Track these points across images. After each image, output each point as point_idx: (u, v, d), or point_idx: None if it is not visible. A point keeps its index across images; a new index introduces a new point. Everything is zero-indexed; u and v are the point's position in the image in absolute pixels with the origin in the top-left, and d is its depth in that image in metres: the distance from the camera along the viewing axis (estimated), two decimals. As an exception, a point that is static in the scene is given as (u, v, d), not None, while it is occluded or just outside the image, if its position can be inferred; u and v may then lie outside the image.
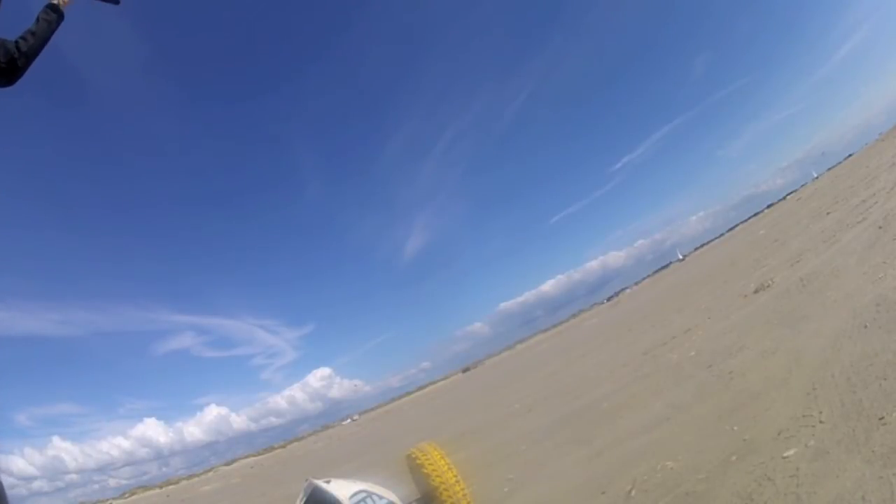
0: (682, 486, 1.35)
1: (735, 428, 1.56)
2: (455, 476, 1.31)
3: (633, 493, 1.43)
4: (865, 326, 2.06)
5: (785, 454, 1.29)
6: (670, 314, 5.80)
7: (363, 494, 1.17)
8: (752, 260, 6.74)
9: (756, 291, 4.05)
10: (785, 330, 2.50)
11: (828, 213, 7.27)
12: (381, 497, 1.15)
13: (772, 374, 1.92)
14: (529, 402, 4.56)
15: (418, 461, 1.37)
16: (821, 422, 1.39)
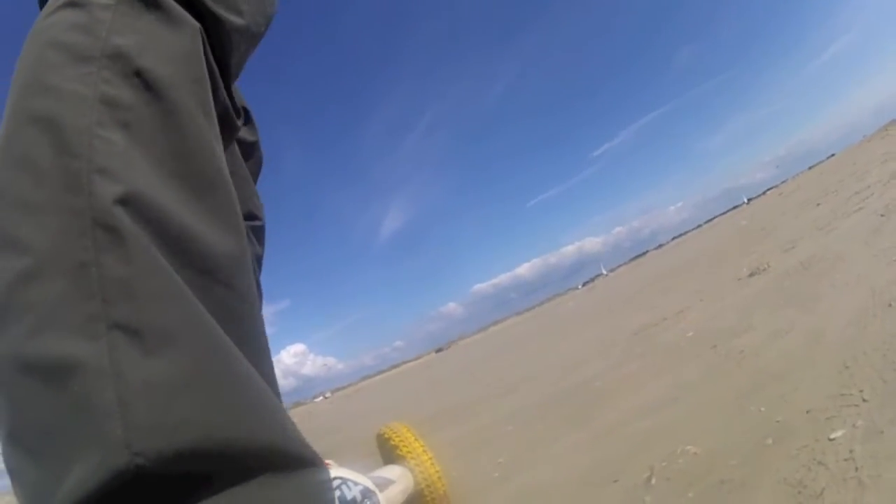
0: (714, 473, 1.14)
1: (762, 409, 1.36)
2: (430, 457, 1.19)
3: (654, 480, 1.22)
4: (890, 305, 1.88)
5: (831, 436, 1.09)
6: (655, 297, 5.64)
7: (337, 482, 0.97)
8: (739, 247, 6.62)
9: (751, 275, 3.89)
10: (794, 310, 2.32)
11: (818, 205, 7.15)
12: (356, 483, 0.95)
13: (791, 354, 1.72)
14: (510, 381, 4.26)
15: (392, 441, 1.25)
16: (864, 400, 1.20)
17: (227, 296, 0.42)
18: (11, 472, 0.34)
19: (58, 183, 0.37)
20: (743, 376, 1.72)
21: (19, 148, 0.39)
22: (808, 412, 1.25)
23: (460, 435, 2.91)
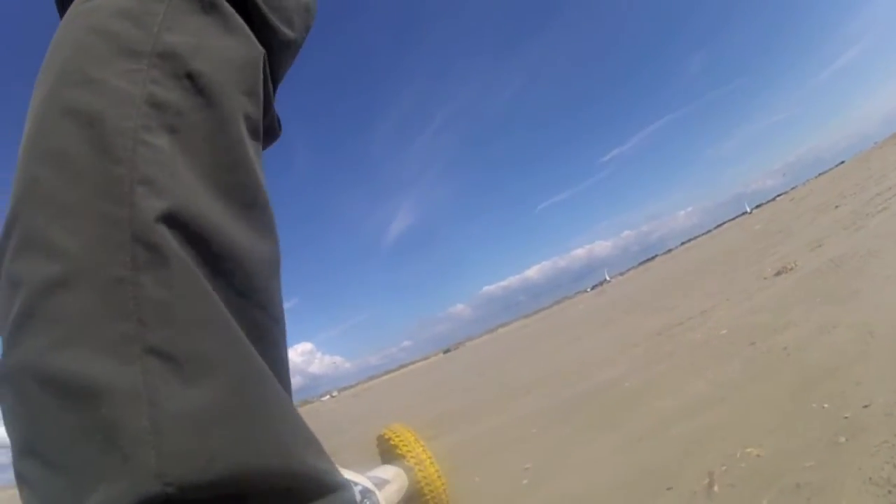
0: (786, 476, 1.03)
1: (825, 405, 1.25)
2: (429, 457, 1.20)
3: (716, 487, 1.11)
4: (944, 298, 1.77)
5: (914, 430, 0.99)
6: (673, 299, 5.51)
7: None
8: (757, 249, 6.47)
9: (778, 274, 3.76)
10: (833, 307, 2.20)
11: (836, 207, 7.00)
12: (356, 484, 0.98)
13: (842, 349, 1.61)
14: (525, 383, 4.06)
15: (392, 442, 1.26)
16: (935, 391, 1.10)
17: (262, 317, 0.41)
18: (23, 478, 0.33)
19: (96, 187, 0.35)
20: (792, 373, 1.61)
21: (53, 141, 0.37)
22: (877, 407, 1.14)
23: (477, 436, 2.79)
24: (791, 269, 3.74)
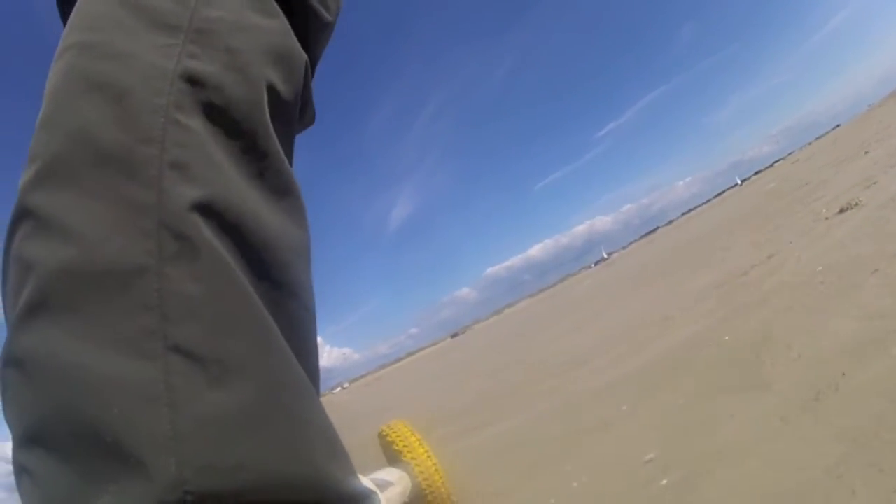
0: None
1: None
2: (427, 451, 1.17)
3: None
4: None
5: None
6: (711, 257, 5.17)
7: None
8: (790, 201, 6.10)
9: (842, 211, 3.45)
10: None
11: (866, 153, 6.69)
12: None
13: None
14: (571, 356, 3.44)
15: (389, 438, 1.24)
16: None
17: (296, 308, 0.40)
18: (25, 469, 0.31)
19: (120, 168, 0.33)
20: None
21: (76, 116, 0.35)
22: None
23: (534, 422, 2.43)
24: (856, 204, 3.42)
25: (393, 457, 1.22)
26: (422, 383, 9.63)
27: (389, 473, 1.12)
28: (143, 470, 0.28)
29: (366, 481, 0.96)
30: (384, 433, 1.27)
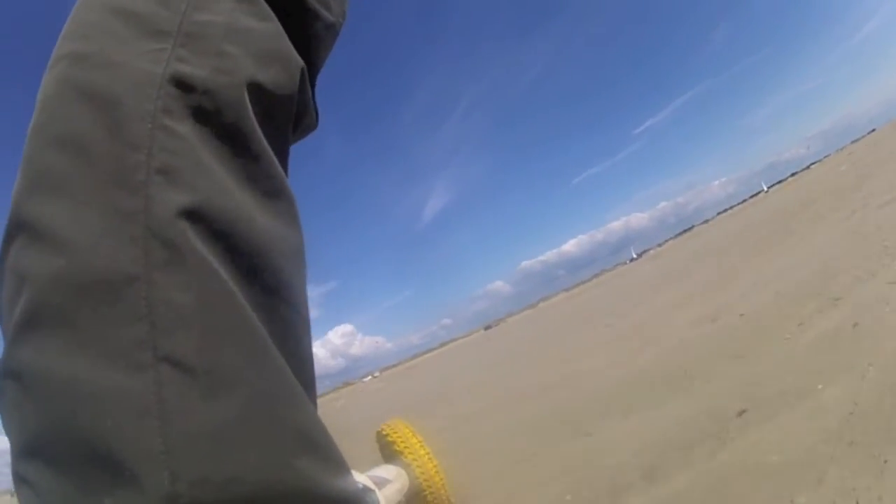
0: None
1: None
2: (427, 452, 1.19)
3: None
4: None
5: None
6: (790, 242, 4.35)
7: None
8: (881, 176, 5.16)
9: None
10: None
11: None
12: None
13: None
14: (659, 351, 2.69)
15: (389, 438, 1.25)
16: None
17: (289, 314, 0.39)
18: (24, 480, 0.31)
19: (108, 175, 0.33)
20: None
21: (65, 125, 0.35)
22: None
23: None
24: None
25: (392, 455, 1.23)
26: (451, 375, 8.91)
27: (387, 471, 1.14)
28: (138, 484, 0.28)
29: (363, 478, 0.97)
30: (384, 432, 1.28)
